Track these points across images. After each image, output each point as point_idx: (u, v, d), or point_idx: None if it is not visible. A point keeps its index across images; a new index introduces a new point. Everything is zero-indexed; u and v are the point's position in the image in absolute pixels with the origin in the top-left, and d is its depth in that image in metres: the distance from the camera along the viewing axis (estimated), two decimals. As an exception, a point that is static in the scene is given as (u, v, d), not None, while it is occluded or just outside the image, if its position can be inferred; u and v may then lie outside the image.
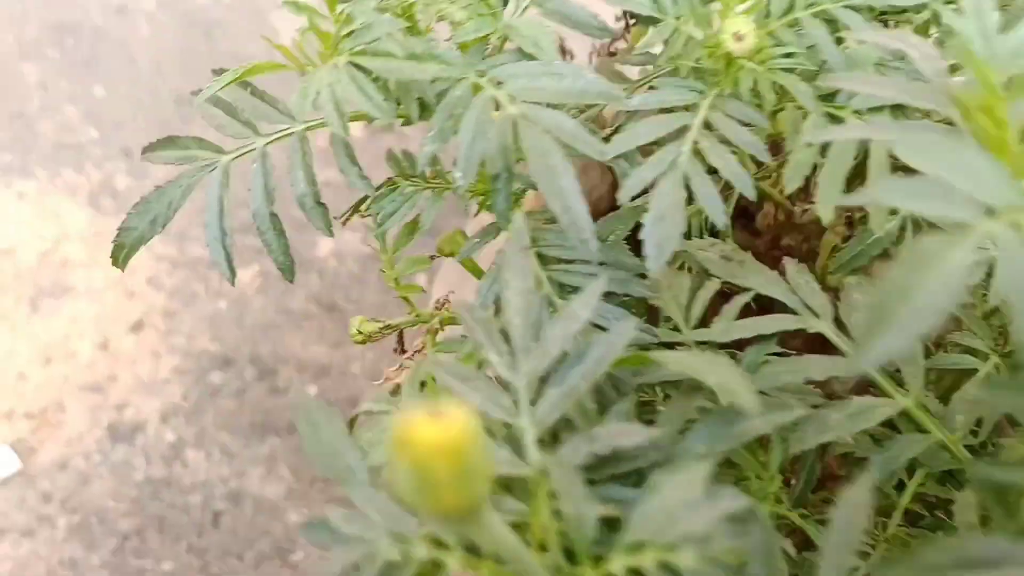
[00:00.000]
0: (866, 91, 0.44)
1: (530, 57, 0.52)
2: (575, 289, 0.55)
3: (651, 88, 0.52)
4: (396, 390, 0.58)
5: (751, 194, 0.49)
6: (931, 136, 0.34)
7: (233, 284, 0.59)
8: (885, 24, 0.61)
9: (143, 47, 1.55)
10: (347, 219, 0.69)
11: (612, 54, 0.67)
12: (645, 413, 0.51)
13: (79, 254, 1.38)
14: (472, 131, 0.49)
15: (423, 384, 0.54)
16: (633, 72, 0.70)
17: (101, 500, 1.22)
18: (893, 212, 0.62)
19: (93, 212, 1.41)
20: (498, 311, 0.56)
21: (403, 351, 0.64)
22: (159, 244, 1.39)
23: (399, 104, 0.52)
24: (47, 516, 1.21)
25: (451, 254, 0.61)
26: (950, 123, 0.42)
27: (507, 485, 0.41)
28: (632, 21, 0.66)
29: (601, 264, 0.55)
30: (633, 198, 0.56)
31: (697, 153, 0.49)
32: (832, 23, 0.53)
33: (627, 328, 0.41)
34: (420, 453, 0.29)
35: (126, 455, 1.25)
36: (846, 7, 0.53)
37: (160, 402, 1.28)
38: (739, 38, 0.51)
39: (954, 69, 0.45)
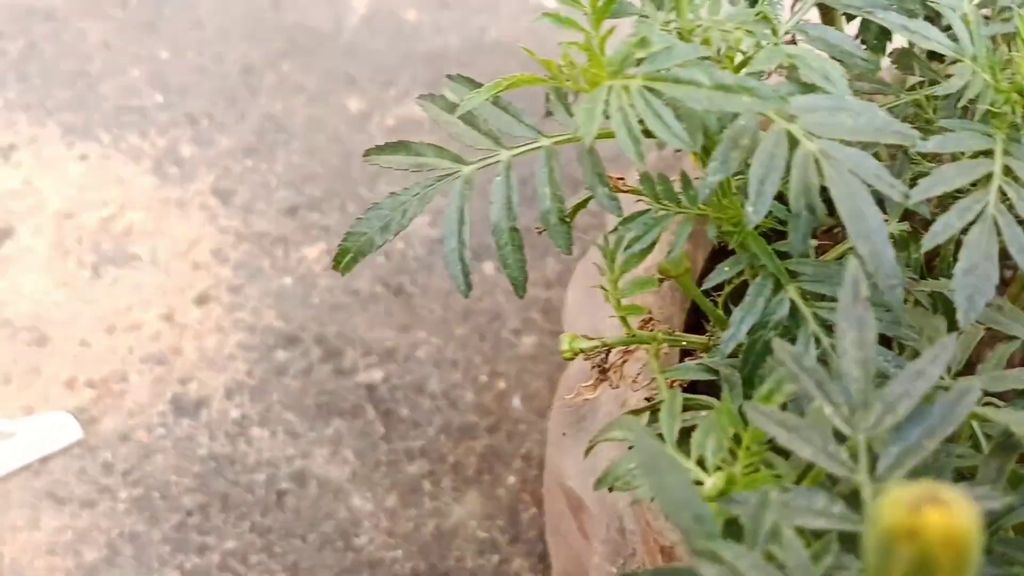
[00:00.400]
0: None
1: (814, 89, 0.51)
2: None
3: (943, 130, 0.51)
4: (638, 411, 0.58)
5: (1060, 249, 0.49)
6: None
7: (466, 297, 0.58)
8: None
9: (209, 11, 1.52)
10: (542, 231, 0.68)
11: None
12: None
13: (143, 222, 1.35)
14: (766, 165, 0.48)
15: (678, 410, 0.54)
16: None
17: (164, 474, 1.20)
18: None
19: (158, 180, 1.38)
20: (750, 352, 0.56)
21: (603, 370, 0.64)
22: (223, 216, 1.37)
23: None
24: (108, 488, 1.19)
25: (676, 276, 0.61)
26: None
27: (843, 542, 0.41)
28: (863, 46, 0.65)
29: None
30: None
31: (1004, 200, 0.49)
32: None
33: (974, 390, 0.41)
34: (927, 543, 0.29)
35: (190, 430, 1.23)
36: None
37: (225, 378, 1.27)
38: (1043, 102, 0.51)
39: None
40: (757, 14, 0.52)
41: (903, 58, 0.64)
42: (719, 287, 0.60)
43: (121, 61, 1.47)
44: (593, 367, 0.64)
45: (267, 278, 1.34)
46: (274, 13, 1.53)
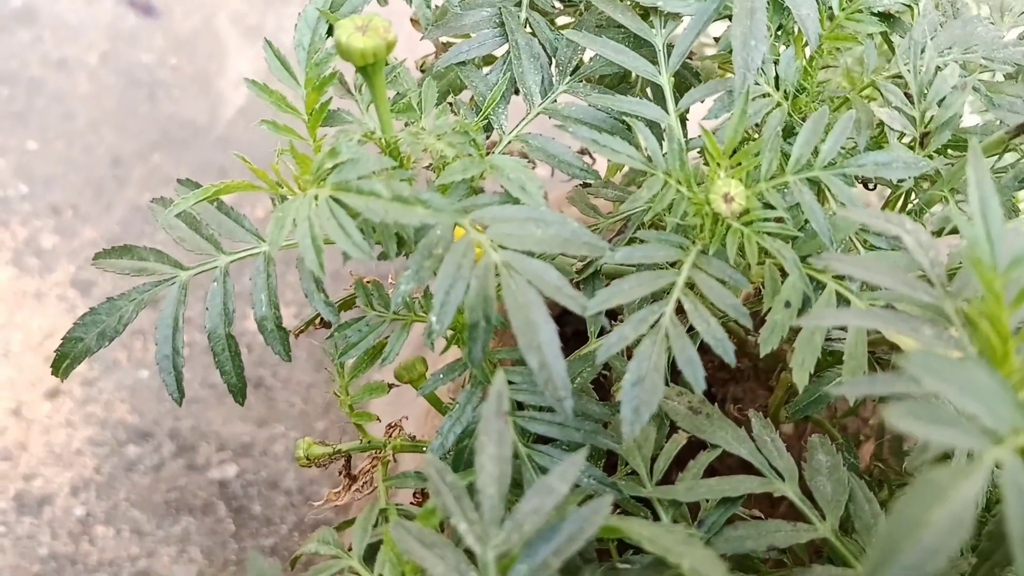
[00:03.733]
0: (864, 277, 0.44)
1: (514, 200, 0.51)
2: (540, 439, 0.54)
3: (636, 241, 0.51)
4: (342, 525, 0.56)
5: (732, 361, 0.49)
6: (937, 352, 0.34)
7: (180, 405, 0.56)
8: (865, 186, 0.62)
9: (82, 103, 1.52)
10: (299, 333, 0.67)
11: (586, 184, 0.66)
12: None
13: (-2, 313, 1.33)
14: (452, 276, 0.47)
15: (376, 522, 0.52)
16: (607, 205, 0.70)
17: (1, 574, 1.17)
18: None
19: (16, 271, 1.36)
20: (459, 459, 0.55)
21: (350, 476, 0.62)
22: (82, 308, 1.35)
23: (376, 239, 0.51)
24: (-59, 589, 1.16)
25: (410, 382, 0.60)
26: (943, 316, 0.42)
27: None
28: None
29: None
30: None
31: (679, 312, 0.49)
32: (817, 186, 0.54)
33: (604, 506, 0.40)
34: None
35: (31, 528, 1.20)
36: (837, 175, 0.53)
37: (72, 474, 1.24)
38: (728, 200, 0.51)
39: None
40: (456, 127, 0.52)
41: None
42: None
43: (-13, 152, 1.46)
44: (339, 472, 0.63)
45: (123, 371, 1.32)
46: (149, 105, 1.53)
